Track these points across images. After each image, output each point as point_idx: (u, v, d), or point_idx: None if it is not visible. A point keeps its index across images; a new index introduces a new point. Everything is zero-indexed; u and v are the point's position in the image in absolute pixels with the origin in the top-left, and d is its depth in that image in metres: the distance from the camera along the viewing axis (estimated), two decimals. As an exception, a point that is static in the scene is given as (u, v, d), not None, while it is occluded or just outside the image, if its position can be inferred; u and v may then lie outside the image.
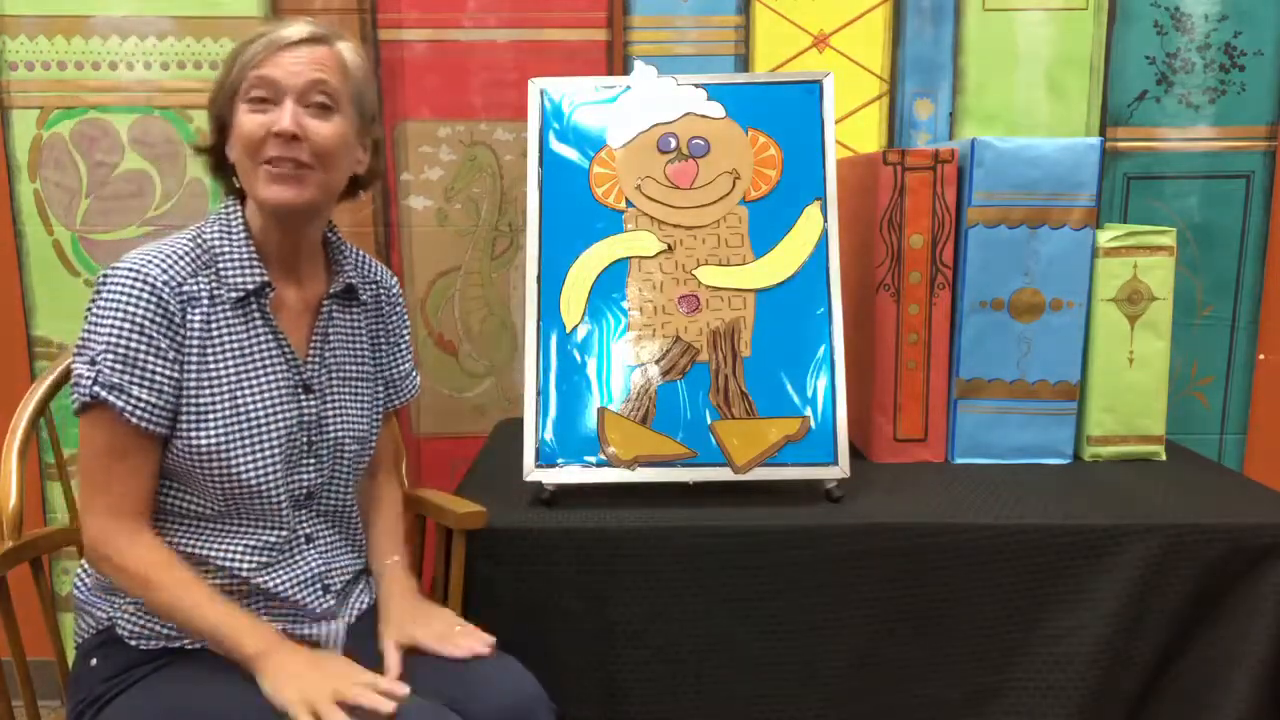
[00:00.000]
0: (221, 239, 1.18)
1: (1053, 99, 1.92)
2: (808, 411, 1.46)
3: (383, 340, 1.35)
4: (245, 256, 1.17)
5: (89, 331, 1.11)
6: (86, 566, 1.22)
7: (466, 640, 1.18)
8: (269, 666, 1.07)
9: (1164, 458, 1.66)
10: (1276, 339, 1.98)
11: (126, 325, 1.09)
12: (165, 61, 1.90)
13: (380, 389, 1.35)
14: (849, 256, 1.59)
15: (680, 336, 1.49)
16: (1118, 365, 1.62)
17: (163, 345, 1.11)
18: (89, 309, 1.11)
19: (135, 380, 1.09)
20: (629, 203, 1.52)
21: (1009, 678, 1.39)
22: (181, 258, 1.14)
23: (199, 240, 1.17)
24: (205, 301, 1.14)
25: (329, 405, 1.24)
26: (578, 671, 1.37)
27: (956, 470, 1.61)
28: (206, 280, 1.15)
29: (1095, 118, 1.92)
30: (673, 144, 1.54)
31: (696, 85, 1.55)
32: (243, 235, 1.18)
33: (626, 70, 1.89)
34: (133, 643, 1.14)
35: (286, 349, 1.20)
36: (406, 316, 1.40)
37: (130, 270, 1.10)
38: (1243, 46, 1.89)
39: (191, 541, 1.16)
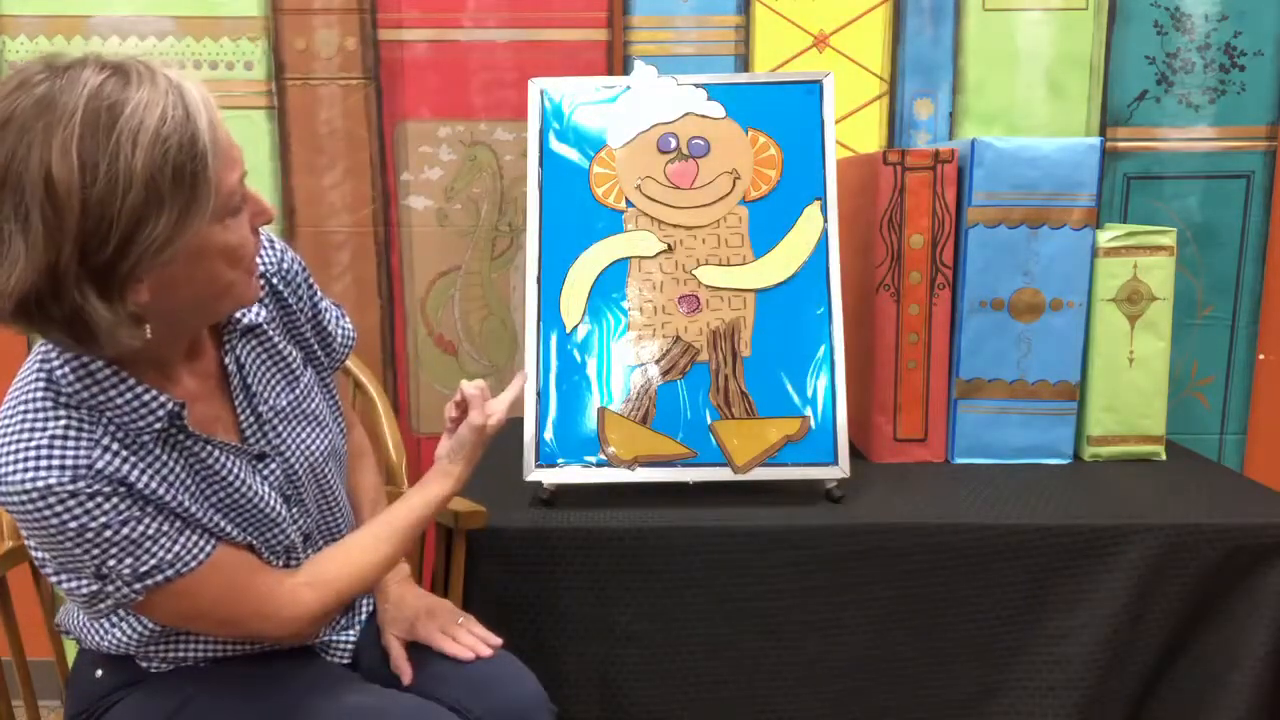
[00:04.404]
0: (92, 392, 0.92)
1: (1053, 99, 1.92)
2: (808, 411, 1.46)
3: (301, 320, 1.14)
4: (141, 393, 0.93)
5: (68, 555, 0.91)
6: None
7: (469, 639, 1.18)
8: (457, 475, 1.18)
9: (1164, 458, 1.66)
10: (1276, 339, 1.97)
11: (97, 524, 0.90)
12: (165, 61, 1.88)
13: (322, 388, 1.18)
14: (849, 256, 1.59)
15: (680, 336, 1.49)
16: (1118, 365, 1.62)
17: (144, 501, 0.94)
18: (35, 534, 0.91)
19: (162, 542, 0.94)
20: (629, 203, 1.52)
21: (1009, 678, 1.39)
22: (70, 437, 0.90)
23: (59, 400, 0.91)
24: (122, 466, 0.92)
25: (288, 452, 1.09)
26: (578, 671, 1.37)
27: (956, 470, 1.61)
28: (109, 443, 0.92)
29: (1095, 118, 1.92)
30: (673, 144, 1.54)
31: (696, 85, 1.55)
32: (120, 377, 0.93)
33: (626, 70, 1.89)
34: (143, 664, 1.11)
35: (224, 446, 1.02)
36: (310, 276, 1.16)
37: (45, 487, 0.87)
38: (1243, 46, 1.89)
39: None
